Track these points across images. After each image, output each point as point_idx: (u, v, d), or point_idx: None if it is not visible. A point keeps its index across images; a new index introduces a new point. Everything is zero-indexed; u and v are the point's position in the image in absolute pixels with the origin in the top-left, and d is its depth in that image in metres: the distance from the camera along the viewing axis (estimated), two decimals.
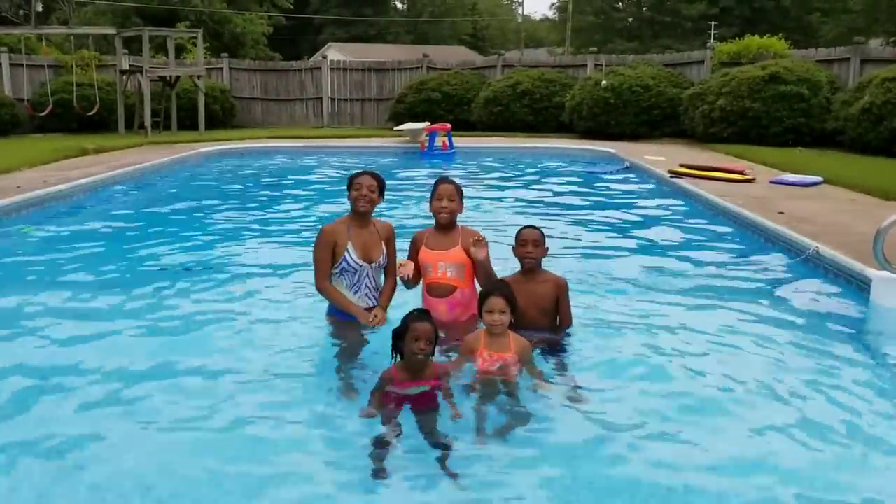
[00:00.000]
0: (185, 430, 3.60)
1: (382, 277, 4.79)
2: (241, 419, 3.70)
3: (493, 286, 4.02)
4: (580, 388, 3.95)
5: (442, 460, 3.26)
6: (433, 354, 3.78)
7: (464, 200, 4.69)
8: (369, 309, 4.63)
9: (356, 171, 4.72)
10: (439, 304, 4.55)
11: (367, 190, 4.57)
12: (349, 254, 4.56)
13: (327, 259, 4.58)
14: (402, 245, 4.89)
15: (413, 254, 4.68)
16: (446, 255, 4.54)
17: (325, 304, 4.78)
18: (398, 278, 4.65)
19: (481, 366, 3.90)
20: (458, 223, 4.67)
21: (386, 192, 4.73)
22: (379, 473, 3.17)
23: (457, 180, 4.74)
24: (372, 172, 4.69)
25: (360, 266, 4.59)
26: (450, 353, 4.23)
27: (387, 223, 4.85)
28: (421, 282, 4.68)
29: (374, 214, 4.75)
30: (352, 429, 3.59)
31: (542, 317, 4.44)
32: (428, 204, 4.70)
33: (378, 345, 4.30)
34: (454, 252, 4.53)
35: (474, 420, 3.57)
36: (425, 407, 3.65)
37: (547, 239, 4.58)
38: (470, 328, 4.41)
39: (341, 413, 3.77)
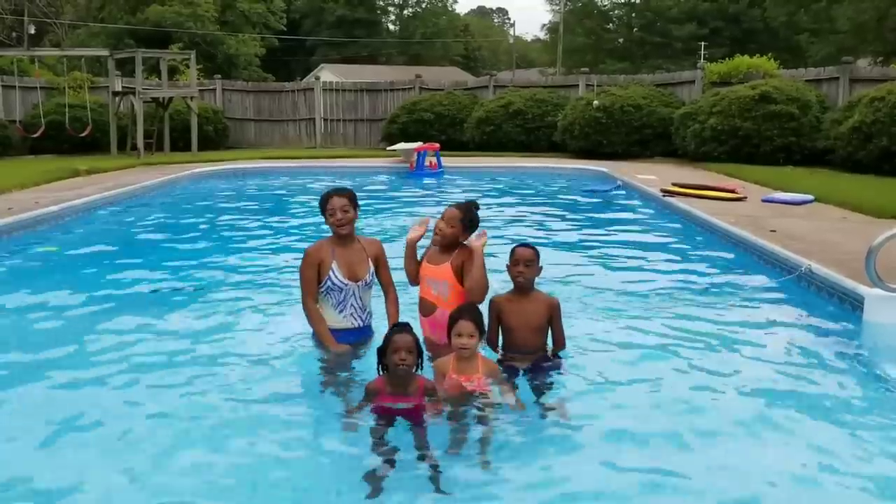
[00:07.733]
0: (168, 449, 3.56)
1: (370, 297, 4.75)
2: (227, 440, 3.65)
3: (461, 309, 4.02)
4: (565, 405, 3.97)
5: (432, 479, 3.24)
6: (420, 368, 3.78)
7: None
8: (349, 331, 4.62)
9: (324, 194, 4.61)
10: (423, 323, 4.57)
11: (340, 213, 4.52)
12: (334, 273, 4.53)
13: (313, 279, 4.56)
14: (392, 260, 4.88)
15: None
16: (434, 271, 4.51)
17: None
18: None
19: (450, 389, 3.89)
20: (461, 243, 4.51)
21: (376, 210, 4.73)
22: (373, 493, 3.15)
23: (460, 200, 4.62)
24: (339, 190, 4.61)
25: (346, 285, 4.57)
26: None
27: (374, 240, 4.83)
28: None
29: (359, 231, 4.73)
30: (339, 448, 3.56)
31: (533, 336, 4.43)
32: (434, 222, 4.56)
33: (363, 364, 4.29)
34: (442, 269, 4.48)
35: (448, 433, 3.60)
36: (413, 423, 3.65)
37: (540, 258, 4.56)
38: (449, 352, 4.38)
39: (328, 432, 3.74)
